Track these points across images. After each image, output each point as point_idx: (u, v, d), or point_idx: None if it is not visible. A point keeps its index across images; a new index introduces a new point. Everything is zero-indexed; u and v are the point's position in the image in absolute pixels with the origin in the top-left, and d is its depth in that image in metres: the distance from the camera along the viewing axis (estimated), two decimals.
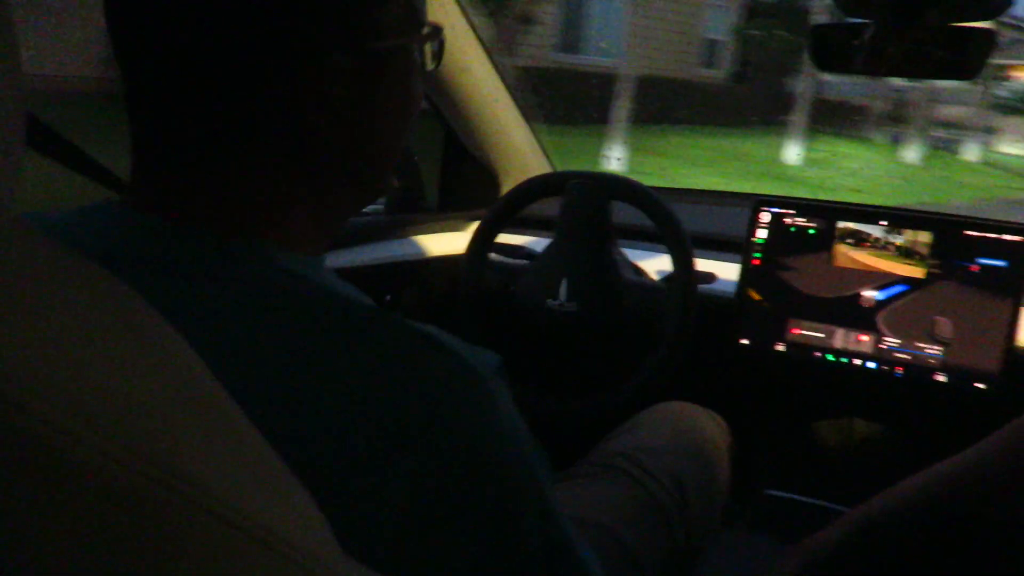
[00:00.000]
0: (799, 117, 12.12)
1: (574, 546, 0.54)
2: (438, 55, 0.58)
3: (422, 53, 0.56)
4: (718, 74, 15.78)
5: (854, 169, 11.84)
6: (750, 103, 14.70)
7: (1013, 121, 19.03)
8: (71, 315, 0.26)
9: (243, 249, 0.49)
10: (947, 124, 17.31)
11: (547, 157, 1.71)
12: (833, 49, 1.06)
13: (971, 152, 16.15)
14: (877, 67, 1.06)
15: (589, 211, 1.29)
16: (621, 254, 1.33)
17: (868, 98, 17.25)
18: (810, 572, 0.56)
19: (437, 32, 0.57)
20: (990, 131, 18.26)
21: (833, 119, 15.05)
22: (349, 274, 1.38)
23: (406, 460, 0.44)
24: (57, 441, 0.23)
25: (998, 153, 17.62)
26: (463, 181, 1.69)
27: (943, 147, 15.94)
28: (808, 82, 12.41)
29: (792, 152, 11.88)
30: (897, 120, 15.85)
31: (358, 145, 0.54)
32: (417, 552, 0.45)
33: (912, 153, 14.10)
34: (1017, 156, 17.45)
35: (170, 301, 0.43)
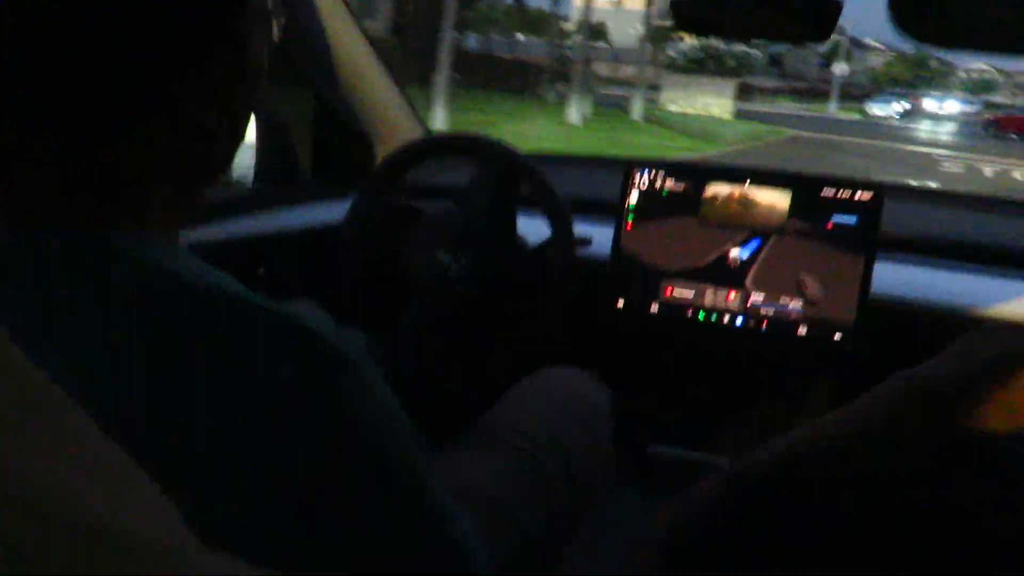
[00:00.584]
0: (443, 75, 10.98)
1: (453, 523, 0.54)
2: (282, 27, 0.58)
3: (271, 27, 0.56)
4: (376, 26, 14.40)
5: (517, 132, 11.26)
6: (411, 59, 13.47)
7: (679, 79, 19.84)
8: None
9: (90, 241, 0.46)
10: (618, 82, 17.87)
11: (419, 119, 1.69)
12: (695, 11, 1.08)
13: (638, 110, 16.57)
14: (737, 30, 1.09)
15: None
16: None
17: (542, 57, 17.28)
18: (683, 527, 0.58)
19: (277, 11, 0.56)
20: (657, 89, 18.96)
21: (502, 77, 14.80)
22: (220, 248, 1.32)
23: (272, 450, 0.44)
24: None
25: (664, 111, 18.51)
26: (336, 149, 1.64)
27: (614, 105, 16.36)
28: (462, 39, 11.62)
29: (437, 114, 10.61)
30: (570, 79, 15.52)
31: (223, 122, 0.52)
32: (291, 541, 0.44)
33: (577, 112, 13.86)
34: (680, 114, 18.37)
35: (10, 300, 0.43)
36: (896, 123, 28.65)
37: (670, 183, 1.32)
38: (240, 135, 0.56)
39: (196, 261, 0.50)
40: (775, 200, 1.27)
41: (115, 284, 0.45)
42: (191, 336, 0.44)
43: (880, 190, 1.23)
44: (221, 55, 0.49)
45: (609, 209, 1.39)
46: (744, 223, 1.29)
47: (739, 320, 1.29)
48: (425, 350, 1.30)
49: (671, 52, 37.18)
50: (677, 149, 12.18)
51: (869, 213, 1.23)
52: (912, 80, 53.44)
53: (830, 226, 1.25)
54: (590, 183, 1.59)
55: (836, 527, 0.44)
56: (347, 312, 1.36)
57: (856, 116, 30.30)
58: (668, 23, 40.47)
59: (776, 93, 39.74)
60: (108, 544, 0.28)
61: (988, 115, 31.33)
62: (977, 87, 60.21)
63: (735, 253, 1.30)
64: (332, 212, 1.52)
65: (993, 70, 65.68)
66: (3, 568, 0.25)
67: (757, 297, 1.29)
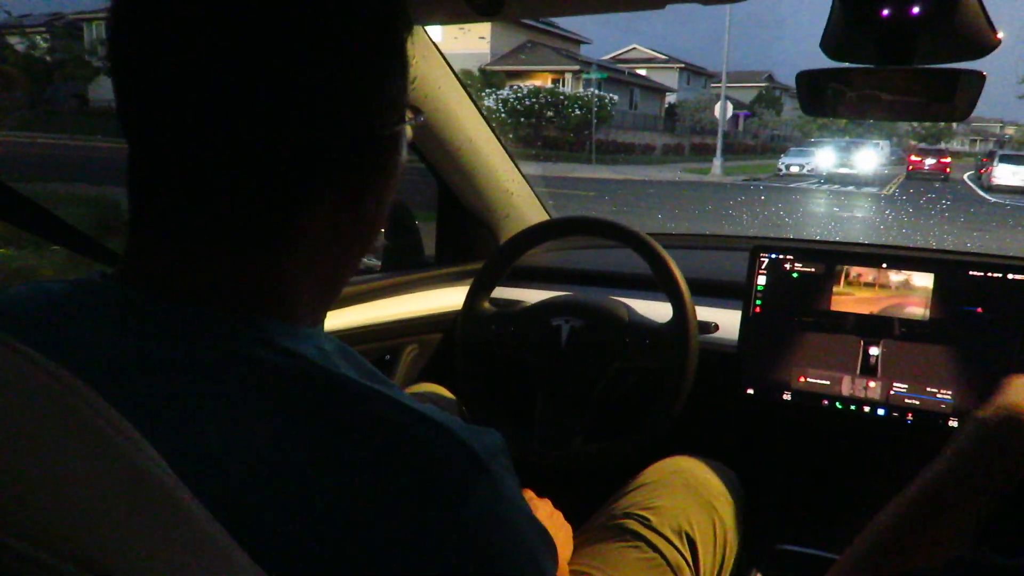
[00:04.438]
0: None
1: None
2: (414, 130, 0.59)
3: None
4: None
5: None
6: None
7: None
8: None
9: (244, 328, 0.47)
10: None
11: (543, 204, 1.71)
12: (821, 94, 1.05)
13: None
14: (866, 111, 1.06)
15: None
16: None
17: None
18: None
19: (418, 112, 0.58)
20: None
21: None
22: (347, 336, 1.36)
23: (405, 554, 0.41)
24: None
25: None
26: (460, 235, 1.68)
27: None
28: None
29: None
30: None
31: (372, 222, 0.54)
32: None
33: None
34: None
35: (161, 383, 0.43)
36: (792, 185, 21.67)
37: (799, 266, 1.28)
38: (380, 228, 0.57)
39: (336, 348, 0.50)
40: (916, 283, 1.20)
41: (259, 369, 0.45)
42: (327, 430, 0.43)
43: None
44: (385, 156, 0.52)
45: (735, 292, 1.35)
46: (883, 307, 1.22)
47: (880, 411, 1.21)
48: (549, 426, 1.28)
49: (489, 102, 26.64)
50: None
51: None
52: (846, 127, 44.33)
53: (980, 310, 1.16)
54: (714, 265, 1.55)
55: None
56: (467, 394, 1.36)
57: (735, 177, 22.83)
58: (500, 67, 29.66)
59: (670, 151, 32.25)
60: None
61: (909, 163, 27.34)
62: (928, 133, 53.05)
63: (874, 339, 1.22)
64: (454, 297, 1.55)
65: None
66: None
67: (900, 386, 1.20)
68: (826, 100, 1.05)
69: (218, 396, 0.44)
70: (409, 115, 0.55)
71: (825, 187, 21.40)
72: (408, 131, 0.57)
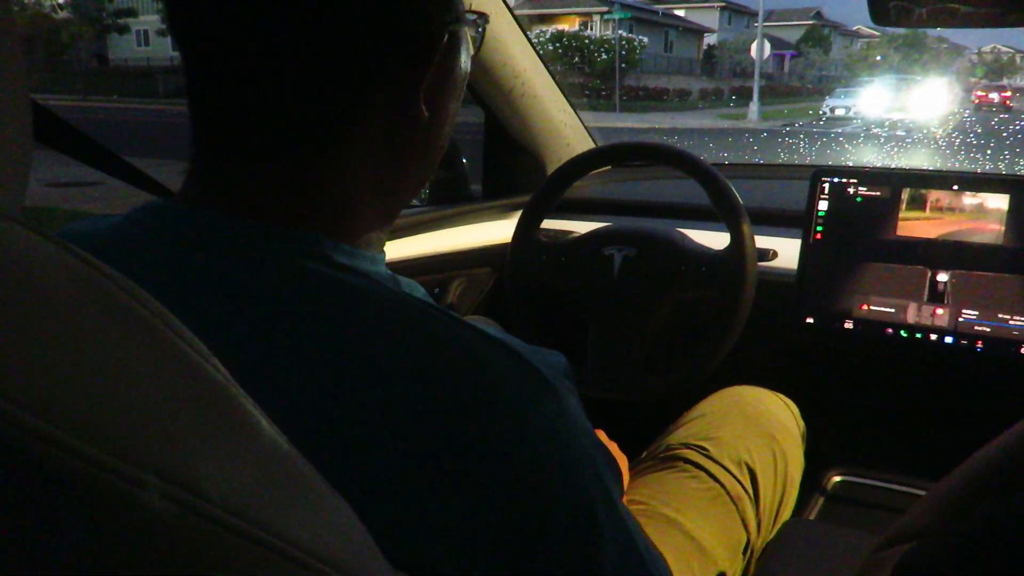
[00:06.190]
0: None
1: (648, 552, 0.50)
2: (479, 42, 0.58)
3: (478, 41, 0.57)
4: None
5: None
6: None
7: None
8: (65, 320, 0.23)
9: (299, 242, 0.46)
10: None
11: (589, 134, 1.66)
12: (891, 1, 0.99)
13: None
14: (944, 18, 0.99)
15: None
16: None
17: None
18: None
19: (483, 16, 0.56)
20: None
21: None
22: (393, 269, 1.35)
23: (472, 471, 0.41)
24: (53, 457, 0.20)
25: None
26: (507, 168, 1.65)
27: None
28: None
29: None
30: None
31: (430, 132, 0.53)
32: (484, 570, 0.41)
33: None
34: None
35: (222, 299, 0.44)
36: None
37: (863, 190, 1.22)
38: (442, 137, 0.55)
39: (393, 273, 0.50)
40: (990, 205, 1.14)
41: (317, 283, 0.45)
42: (389, 345, 0.42)
43: None
44: (437, 56, 0.50)
45: (794, 220, 1.30)
46: (952, 232, 1.17)
47: (949, 338, 1.16)
48: (602, 358, 1.26)
49: None
50: None
51: None
52: (900, 65, 41.43)
53: None
54: (775, 193, 1.50)
55: None
56: (517, 327, 1.35)
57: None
58: (524, 11, 27.38)
59: (708, 96, 29.88)
60: (303, 567, 0.27)
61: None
62: (991, 69, 50.10)
63: (942, 264, 1.17)
64: (502, 230, 1.52)
65: (1011, 50, 55.30)
66: None
67: (970, 313, 1.15)
68: (895, 9, 0.99)
69: (273, 308, 0.43)
70: (476, 16, 0.54)
71: (875, 131, 18.37)
72: (469, 37, 0.54)
